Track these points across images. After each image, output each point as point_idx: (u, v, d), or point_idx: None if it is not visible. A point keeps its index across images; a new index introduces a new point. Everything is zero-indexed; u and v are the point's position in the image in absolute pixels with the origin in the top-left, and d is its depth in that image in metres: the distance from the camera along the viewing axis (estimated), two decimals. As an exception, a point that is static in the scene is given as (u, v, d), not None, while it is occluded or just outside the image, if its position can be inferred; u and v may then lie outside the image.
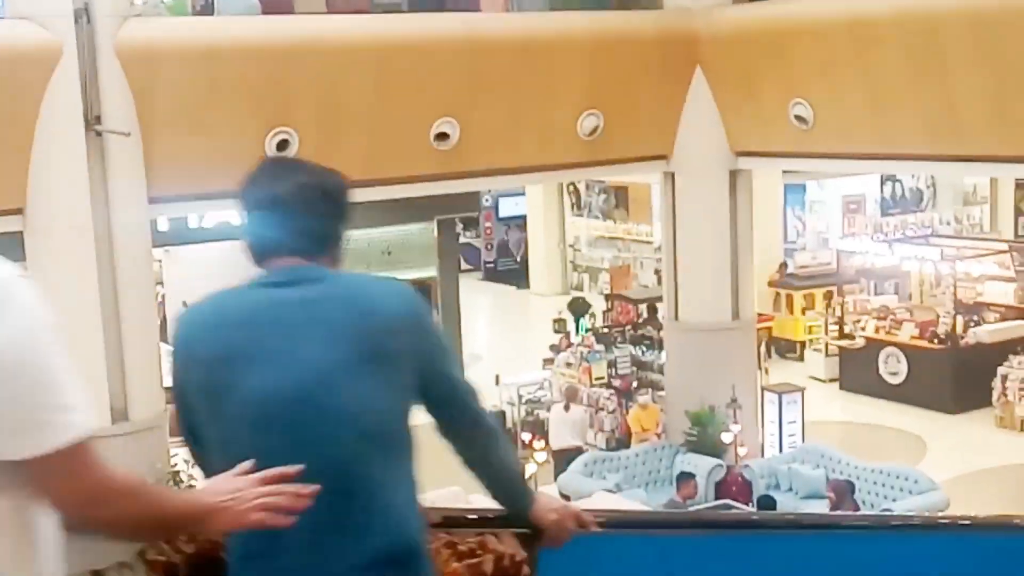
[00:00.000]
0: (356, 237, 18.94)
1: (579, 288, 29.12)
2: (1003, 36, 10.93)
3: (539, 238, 29.46)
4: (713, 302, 14.39)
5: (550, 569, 3.06)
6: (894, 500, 12.12)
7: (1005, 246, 20.42)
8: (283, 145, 11.65)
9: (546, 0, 13.87)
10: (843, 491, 11.77)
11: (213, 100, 11.34)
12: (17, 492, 2.07)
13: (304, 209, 2.76)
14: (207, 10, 11.94)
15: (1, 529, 2.07)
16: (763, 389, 14.89)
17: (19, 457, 2.01)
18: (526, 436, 14.69)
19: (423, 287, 19.58)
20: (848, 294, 20.70)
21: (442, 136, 12.60)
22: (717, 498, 13.12)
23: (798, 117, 12.85)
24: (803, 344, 20.69)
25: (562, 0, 13.90)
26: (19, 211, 10.88)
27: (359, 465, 2.63)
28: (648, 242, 27.80)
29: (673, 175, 14.38)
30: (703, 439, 13.78)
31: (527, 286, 29.58)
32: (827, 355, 19.77)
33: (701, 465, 13.45)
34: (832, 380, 19.57)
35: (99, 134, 10.76)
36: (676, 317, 14.64)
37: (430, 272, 19.84)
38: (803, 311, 21.16)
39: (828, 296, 20.99)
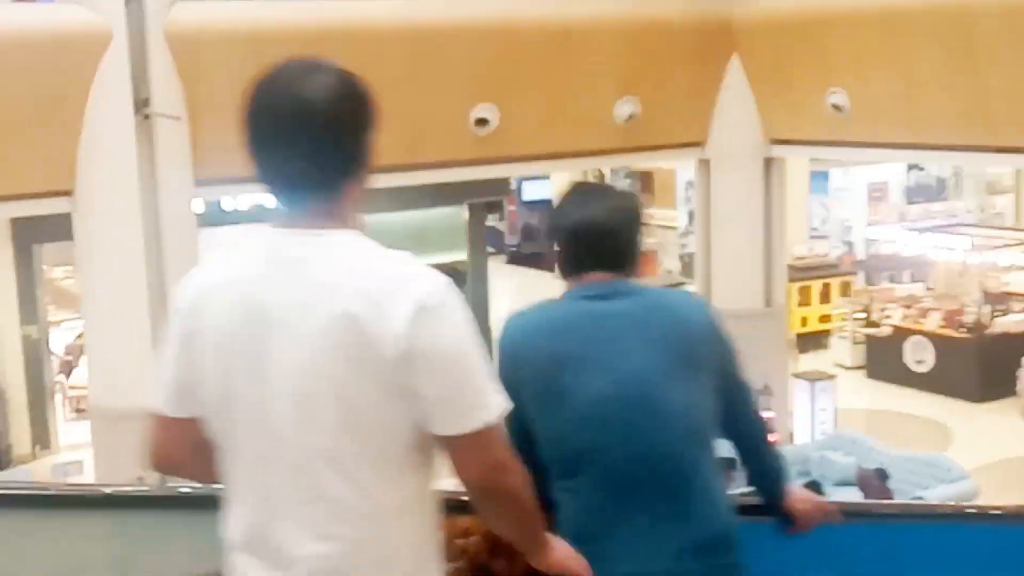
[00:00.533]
0: (386, 220, 19.10)
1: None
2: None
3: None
4: (745, 288, 14.52)
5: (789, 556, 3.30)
6: (925, 488, 12.24)
7: (1033, 235, 20.52)
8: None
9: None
10: (869, 480, 11.89)
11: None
12: (430, 469, 2.48)
13: (615, 230, 3.11)
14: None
15: (408, 512, 2.45)
16: (794, 376, 15.01)
17: (455, 432, 2.40)
18: None
19: (454, 271, 19.76)
20: (871, 284, 20.79)
21: (482, 121, 12.74)
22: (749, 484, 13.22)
23: (835, 106, 12.94)
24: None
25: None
26: (68, 193, 11.07)
27: (686, 458, 2.96)
28: (673, 227, 27.86)
29: (708, 162, 14.48)
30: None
31: (551, 269, 29.59)
32: (854, 343, 19.88)
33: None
34: (858, 368, 19.67)
35: (147, 117, 10.93)
36: (711, 303, 14.73)
37: (460, 255, 19.97)
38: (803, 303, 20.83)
39: (829, 288, 20.81)
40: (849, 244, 23.68)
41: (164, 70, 10.97)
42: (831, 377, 15.12)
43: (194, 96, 11.12)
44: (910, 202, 26.34)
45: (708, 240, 14.78)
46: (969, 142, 12.01)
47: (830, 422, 14.58)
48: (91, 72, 10.79)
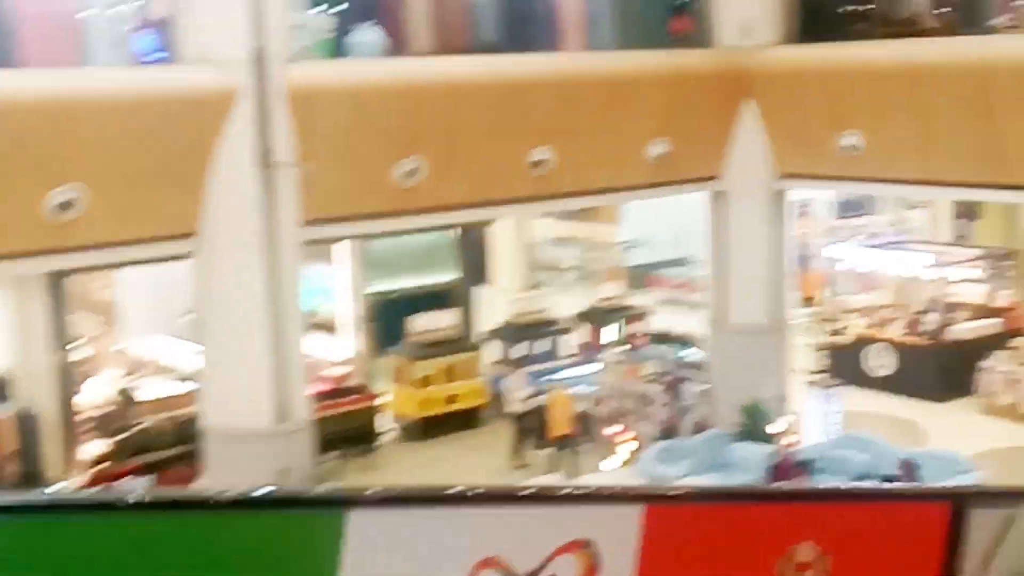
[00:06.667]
0: (383, 245, 20.21)
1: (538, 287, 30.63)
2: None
3: (503, 238, 30.59)
4: (757, 306, 16.18)
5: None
6: (945, 480, 13.95)
7: (979, 252, 22.61)
8: (412, 173, 13.06)
9: (615, 39, 15.43)
10: (910, 471, 13.60)
11: (359, 134, 12.70)
12: None
13: None
14: (341, 51, 13.20)
15: None
16: (807, 383, 16.72)
17: None
18: (614, 428, 16.44)
19: (447, 291, 20.97)
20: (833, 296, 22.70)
21: (538, 163, 14.10)
22: (773, 481, 14.84)
23: (849, 146, 14.64)
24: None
25: (627, 39, 15.49)
26: (190, 235, 12.09)
27: None
28: (614, 243, 29.41)
29: (724, 193, 16.09)
30: (753, 429, 15.53)
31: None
32: (817, 350, 21.68)
33: (754, 452, 15.16)
34: (820, 373, 21.46)
35: (269, 166, 12.02)
36: (724, 320, 16.38)
37: (453, 276, 21.16)
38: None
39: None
40: (804, 260, 25.54)
41: (282, 123, 12.06)
42: (843, 384, 16.81)
43: (304, 146, 12.24)
44: (841, 217, 28.48)
45: (722, 264, 16.38)
46: (982, 179, 13.80)
47: (840, 424, 16.28)
48: (217, 126, 11.85)
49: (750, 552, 3.13)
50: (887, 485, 12.16)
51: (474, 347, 19.32)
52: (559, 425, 16.46)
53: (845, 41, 15.29)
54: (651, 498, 3.05)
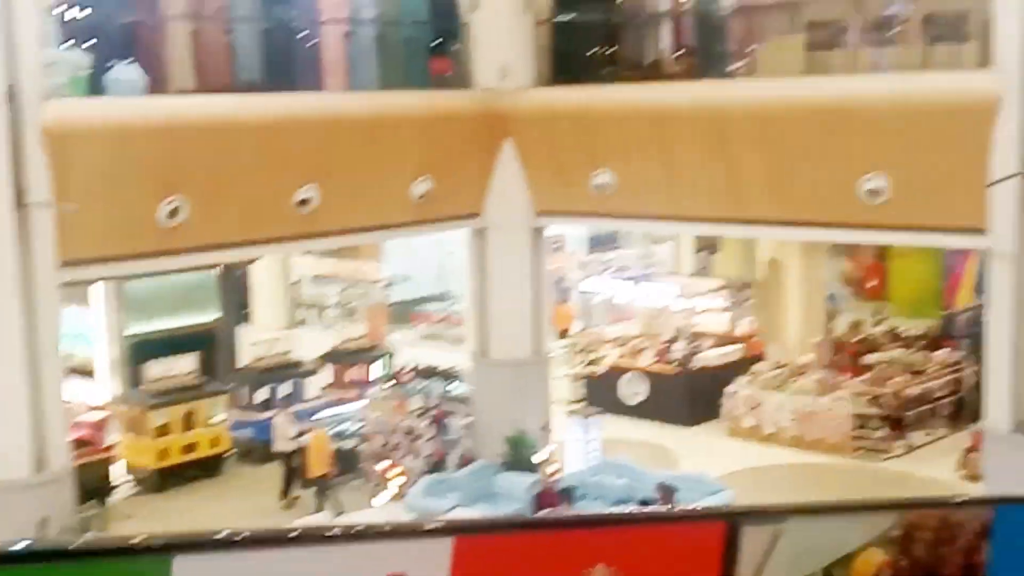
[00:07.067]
0: (142, 285, 19.75)
1: (301, 324, 30.52)
2: (779, 127, 13.90)
3: (264, 276, 30.37)
4: (517, 341, 16.66)
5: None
6: (696, 501, 14.70)
7: (720, 283, 23.88)
8: (174, 213, 12.90)
9: (377, 79, 15.66)
10: (667, 495, 14.23)
11: (118, 173, 12.45)
12: None
13: None
14: (98, 88, 12.91)
15: None
16: (567, 413, 17.28)
17: None
18: (383, 464, 16.49)
19: (205, 332, 20.63)
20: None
21: (304, 202, 14.15)
22: (537, 510, 15.28)
23: (601, 184, 15.33)
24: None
25: (389, 79, 15.75)
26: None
27: None
28: (376, 280, 29.58)
29: (484, 230, 16.52)
30: (518, 459, 15.95)
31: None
32: (574, 380, 22.41)
33: (518, 482, 15.57)
34: (578, 402, 22.20)
35: (23, 206, 11.63)
36: (486, 353, 16.78)
37: (215, 315, 20.86)
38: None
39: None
40: (558, 293, 26.33)
41: (38, 162, 11.73)
42: (600, 413, 17.43)
43: (65, 185, 11.93)
44: (593, 250, 29.58)
45: (483, 299, 16.79)
46: (722, 215, 14.69)
47: (599, 452, 16.87)
48: (-31, 165, 11.42)
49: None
50: (652, 508, 12.76)
51: (216, 392, 18.61)
52: (317, 464, 16.46)
53: (595, 84, 16.05)
54: (460, 530, 3.26)
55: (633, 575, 3.55)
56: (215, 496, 17.57)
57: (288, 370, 19.79)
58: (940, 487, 17.15)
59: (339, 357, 20.86)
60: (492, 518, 4.97)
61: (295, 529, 2.98)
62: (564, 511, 15.03)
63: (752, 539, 3.70)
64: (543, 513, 14.95)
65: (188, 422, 17.99)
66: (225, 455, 18.48)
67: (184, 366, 18.63)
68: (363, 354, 20.98)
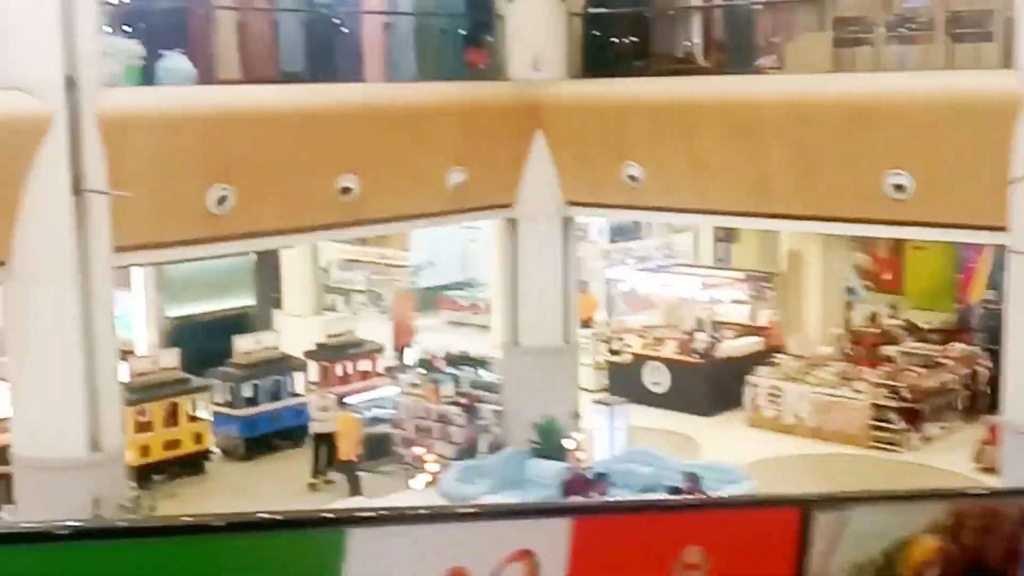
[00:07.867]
0: (180, 270, 20.16)
1: (332, 309, 30.86)
2: (806, 122, 14.25)
3: (294, 262, 30.79)
4: (547, 328, 17.04)
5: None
6: (719, 489, 15.06)
7: (743, 275, 24.22)
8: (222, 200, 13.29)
9: (415, 70, 16.02)
10: (692, 485, 14.61)
11: (169, 161, 12.85)
12: None
13: None
14: (149, 78, 13.28)
15: None
16: (594, 401, 17.69)
17: None
18: (419, 450, 16.91)
19: (242, 315, 21.06)
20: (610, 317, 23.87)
21: (345, 190, 14.52)
22: (567, 496, 15.65)
23: (630, 176, 15.67)
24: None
25: (426, 71, 16.12)
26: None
27: None
28: (404, 266, 29.96)
29: (515, 220, 16.88)
30: (547, 446, 16.32)
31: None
32: (596, 369, 22.76)
33: (549, 468, 15.92)
34: (601, 391, 22.56)
35: (81, 193, 12.01)
36: (515, 341, 17.17)
37: (249, 301, 21.28)
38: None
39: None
40: (581, 283, 26.64)
41: (95, 149, 12.10)
42: (626, 401, 17.79)
43: (119, 173, 12.31)
44: (614, 240, 29.87)
45: (514, 287, 17.16)
46: (748, 208, 15.03)
47: (625, 439, 17.24)
48: (31, 152, 11.79)
49: (654, 556, 3.78)
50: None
51: (201, 388, 18.04)
52: (346, 448, 16.85)
53: (626, 77, 16.40)
54: (580, 511, 3.65)
55: (721, 556, 3.95)
56: (195, 495, 17.15)
57: (273, 365, 18.89)
58: (957, 479, 17.51)
59: (324, 352, 19.95)
60: (607, 501, 5.22)
61: (436, 507, 3.36)
62: (596, 497, 15.38)
63: (823, 524, 4.10)
64: (575, 499, 15.30)
65: (172, 418, 17.55)
66: (206, 453, 18.06)
67: (165, 360, 17.96)
68: (351, 348, 20.14)
